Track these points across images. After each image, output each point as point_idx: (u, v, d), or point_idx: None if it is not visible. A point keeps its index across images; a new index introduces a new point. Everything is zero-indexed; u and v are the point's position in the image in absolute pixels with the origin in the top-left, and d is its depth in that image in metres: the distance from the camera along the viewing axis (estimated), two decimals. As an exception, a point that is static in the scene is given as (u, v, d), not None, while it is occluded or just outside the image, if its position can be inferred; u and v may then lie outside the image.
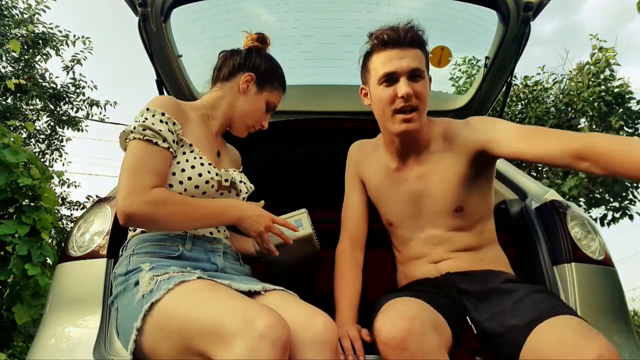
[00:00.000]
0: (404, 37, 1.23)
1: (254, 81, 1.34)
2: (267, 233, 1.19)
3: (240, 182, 1.32)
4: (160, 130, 1.13)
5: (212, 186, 1.21)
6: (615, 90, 6.94)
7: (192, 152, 1.20)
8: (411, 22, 1.27)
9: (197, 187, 1.18)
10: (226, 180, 1.24)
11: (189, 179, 1.17)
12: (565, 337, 0.93)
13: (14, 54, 5.94)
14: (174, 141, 1.16)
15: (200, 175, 1.18)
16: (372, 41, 1.29)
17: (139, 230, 1.19)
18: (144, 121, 1.14)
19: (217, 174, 1.22)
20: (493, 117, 1.32)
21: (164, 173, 1.14)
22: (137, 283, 1.03)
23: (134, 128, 1.14)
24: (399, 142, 1.33)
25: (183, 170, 1.17)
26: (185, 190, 1.17)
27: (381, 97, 1.26)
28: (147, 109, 1.18)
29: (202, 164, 1.20)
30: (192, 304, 0.93)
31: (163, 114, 1.17)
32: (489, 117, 1.33)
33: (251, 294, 1.08)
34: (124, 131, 1.16)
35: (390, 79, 1.24)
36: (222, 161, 1.34)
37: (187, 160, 1.18)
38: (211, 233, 1.22)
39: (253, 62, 1.35)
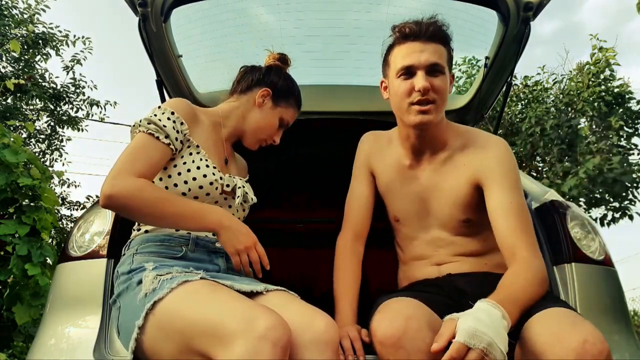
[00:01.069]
0: (426, 30, 1.22)
1: (270, 96, 1.38)
2: (244, 254, 1.11)
3: (243, 189, 1.30)
4: (165, 126, 1.16)
5: (216, 188, 1.22)
6: (615, 90, 6.94)
7: (198, 153, 1.23)
8: (435, 16, 1.25)
9: (201, 187, 1.19)
10: (227, 186, 1.25)
11: (194, 179, 1.18)
12: (552, 328, 0.93)
13: (14, 54, 5.94)
14: (177, 139, 1.18)
15: (205, 176, 1.19)
16: (394, 34, 1.28)
17: (142, 229, 1.20)
18: (151, 116, 1.18)
19: (221, 178, 1.23)
20: (509, 155, 1.29)
21: (157, 167, 1.15)
22: (140, 282, 1.04)
23: (140, 122, 1.18)
24: (414, 136, 1.31)
25: (189, 170, 1.19)
26: (190, 190, 1.18)
27: (398, 90, 1.25)
28: (159, 107, 1.21)
29: (207, 166, 1.22)
30: (194, 304, 0.93)
31: (172, 113, 1.19)
32: (507, 153, 1.29)
33: (253, 295, 1.08)
34: (133, 125, 1.20)
35: (408, 72, 1.22)
36: (229, 169, 1.35)
37: (193, 161, 1.21)
38: (214, 234, 1.22)
39: (271, 79, 1.39)
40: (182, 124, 1.20)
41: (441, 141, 1.32)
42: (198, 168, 1.20)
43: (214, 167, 1.23)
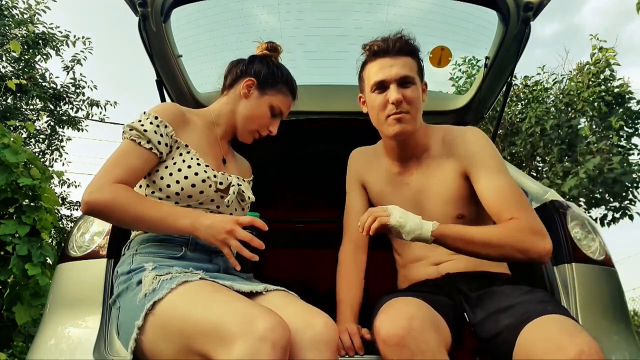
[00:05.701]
0: (393, 46, 1.29)
1: (255, 86, 1.35)
2: (231, 240, 1.05)
3: (237, 187, 1.29)
4: (145, 131, 1.17)
5: (210, 186, 1.21)
6: (615, 90, 6.93)
7: (188, 152, 1.23)
8: (401, 31, 1.32)
9: (193, 185, 1.19)
10: (221, 184, 1.24)
11: (185, 177, 1.18)
12: (550, 336, 0.94)
13: (14, 54, 5.93)
14: (160, 143, 1.18)
15: (196, 174, 1.20)
16: (365, 52, 1.35)
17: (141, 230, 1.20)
18: (133, 122, 1.19)
19: (214, 176, 1.23)
20: (487, 141, 1.34)
21: (139, 172, 1.16)
22: (140, 282, 1.04)
23: (125, 128, 1.19)
24: (397, 146, 1.37)
25: (179, 170, 1.19)
26: (182, 189, 1.18)
27: (374, 104, 1.31)
28: (144, 113, 1.22)
29: (198, 164, 1.22)
30: (194, 304, 0.93)
31: (156, 117, 1.20)
32: (484, 139, 1.34)
33: (252, 295, 1.08)
34: (123, 131, 1.21)
35: (381, 86, 1.29)
36: (227, 168, 1.35)
37: (183, 161, 1.21)
38: None
39: (255, 68, 1.37)
40: (166, 127, 1.20)
41: (423, 145, 1.37)
42: (189, 167, 1.20)
43: (207, 166, 1.23)
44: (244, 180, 1.37)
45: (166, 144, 1.20)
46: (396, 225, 1.12)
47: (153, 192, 1.20)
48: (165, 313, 0.94)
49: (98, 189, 1.07)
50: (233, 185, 1.27)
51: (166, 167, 1.20)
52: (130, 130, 1.18)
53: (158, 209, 1.10)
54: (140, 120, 1.19)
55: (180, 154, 1.22)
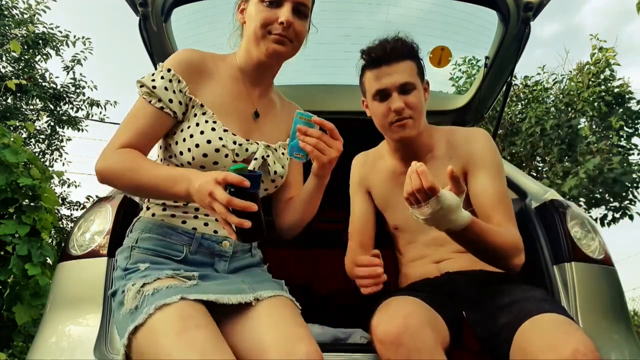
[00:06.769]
0: (391, 52, 1.28)
1: (243, 3, 1.17)
2: (216, 203, 0.85)
3: (259, 161, 1.11)
4: (155, 88, 1.05)
5: (226, 155, 1.07)
6: (615, 90, 6.93)
7: (204, 114, 1.08)
8: (398, 34, 1.32)
9: (205, 155, 1.05)
10: (237, 155, 1.09)
11: (197, 146, 1.05)
12: (546, 334, 0.95)
13: (14, 54, 5.93)
14: (171, 101, 1.06)
15: (209, 142, 1.05)
16: (363, 59, 1.34)
17: (151, 210, 1.12)
18: (145, 77, 1.08)
19: (234, 142, 1.08)
20: (490, 144, 1.35)
21: (151, 135, 1.06)
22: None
23: (137, 83, 1.09)
24: (401, 147, 1.38)
25: (191, 136, 1.06)
26: (194, 158, 1.06)
27: (377, 112, 1.32)
28: (159, 64, 1.11)
29: (213, 129, 1.06)
30: (162, 344, 0.86)
31: (169, 70, 1.07)
32: (488, 142, 1.35)
33: (242, 307, 1.00)
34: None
35: (382, 94, 1.29)
36: (259, 127, 1.17)
37: (197, 124, 1.07)
38: (216, 232, 1.11)
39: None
40: (179, 81, 1.07)
41: (427, 145, 1.38)
42: (202, 132, 1.06)
43: (225, 131, 1.07)
44: (276, 150, 1.17)
45: (180, 102, 1.07)
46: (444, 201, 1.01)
47: (170, 157, 1.10)
48: (140, 342, 0.90)
49: (104, 157, 1.02)
50: (256, 159, 1.10)
51: (181, 131, 1.08)
52: (141, 86, 1.06)
53: (155, 174, 0.99)
54: (153, 74, 1.07)
55: (195, 115, 1.07)
